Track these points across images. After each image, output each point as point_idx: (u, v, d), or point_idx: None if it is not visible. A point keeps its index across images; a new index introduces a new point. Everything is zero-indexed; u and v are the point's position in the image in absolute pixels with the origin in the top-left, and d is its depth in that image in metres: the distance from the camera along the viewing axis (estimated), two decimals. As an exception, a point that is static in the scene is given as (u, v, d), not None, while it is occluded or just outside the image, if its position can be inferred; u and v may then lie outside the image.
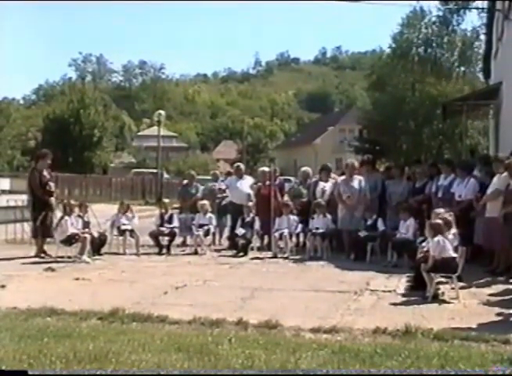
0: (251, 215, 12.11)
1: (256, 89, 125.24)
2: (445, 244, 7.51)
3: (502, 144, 14.48)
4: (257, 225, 12.00)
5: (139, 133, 79.77)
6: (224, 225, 13.34)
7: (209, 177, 15.70)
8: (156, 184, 32.10)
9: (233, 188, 13.13)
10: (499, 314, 6.66)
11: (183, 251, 12.27)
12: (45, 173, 11.58)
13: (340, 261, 10.63)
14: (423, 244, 8.37)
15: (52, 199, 11.50)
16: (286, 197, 12.63)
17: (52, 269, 9.56)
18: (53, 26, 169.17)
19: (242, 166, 13.72)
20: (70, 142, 43.69)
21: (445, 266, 7.45)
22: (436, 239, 7.55)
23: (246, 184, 13.11)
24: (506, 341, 5.44)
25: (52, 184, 11.64)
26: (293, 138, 75.77)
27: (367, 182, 11.59)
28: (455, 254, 7.51)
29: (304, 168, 13.40)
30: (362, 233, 10.87)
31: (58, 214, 11.46)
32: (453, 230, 7.87)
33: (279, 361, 4.76)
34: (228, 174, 14.75)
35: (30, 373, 4.39)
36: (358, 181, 11.48)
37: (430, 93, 33.96)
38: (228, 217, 13.15)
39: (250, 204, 12.43)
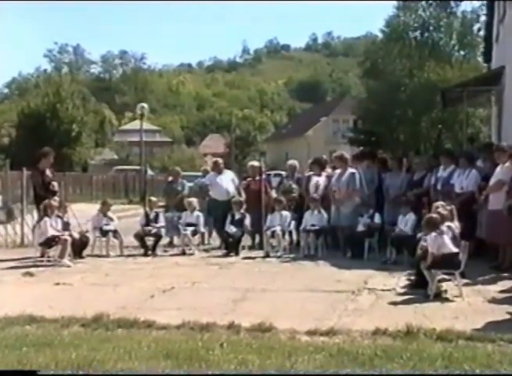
0: (242, 211, 12.08)
1: (244, 79, 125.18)
2: (443, 239, 7.52)
3: (505, 132, 14.51)
4: (247, 222, 11.98)
5: (121, 128, 79.51)
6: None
7: (196, 173, 15.64)
8: (140, 181, 31.98)
9: (214, 184, 13.10)
10: (505, 312, 6.67)
11: (167, 251, 12.22)
12: (48, 172, 11.72)
13: (337, 259, 10.64)
14: (423, 242, 8.41)
15: (56, 198, 11.57)
16: (273, 193, 12.61)
17: (31, 274, 9.50)
18: (26, 15, 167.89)
19: (220, 161, 13.69)
20: (46, 138, 43.13)
21: (446, 262, 7.44)
22: (433, 234, 7.57)
23: (226, 179, 13.09)
24: (514, 341, 5.46)
25: (55, 183, 11.80)
26: (284, 130, 75.75)
27: (363, 175, 11.60)
28: (456, 250, 7.53)
29: (291, 161, 13.43)
30: (361, 227, 10.91)
31: None
32: (448, 223, 7.88)
33: (273, 366, 4.76)
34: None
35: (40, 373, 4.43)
36: (348, 174, 11.49)
37: (429, 79, 33.91)
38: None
39: (240, 198, 12.38)
